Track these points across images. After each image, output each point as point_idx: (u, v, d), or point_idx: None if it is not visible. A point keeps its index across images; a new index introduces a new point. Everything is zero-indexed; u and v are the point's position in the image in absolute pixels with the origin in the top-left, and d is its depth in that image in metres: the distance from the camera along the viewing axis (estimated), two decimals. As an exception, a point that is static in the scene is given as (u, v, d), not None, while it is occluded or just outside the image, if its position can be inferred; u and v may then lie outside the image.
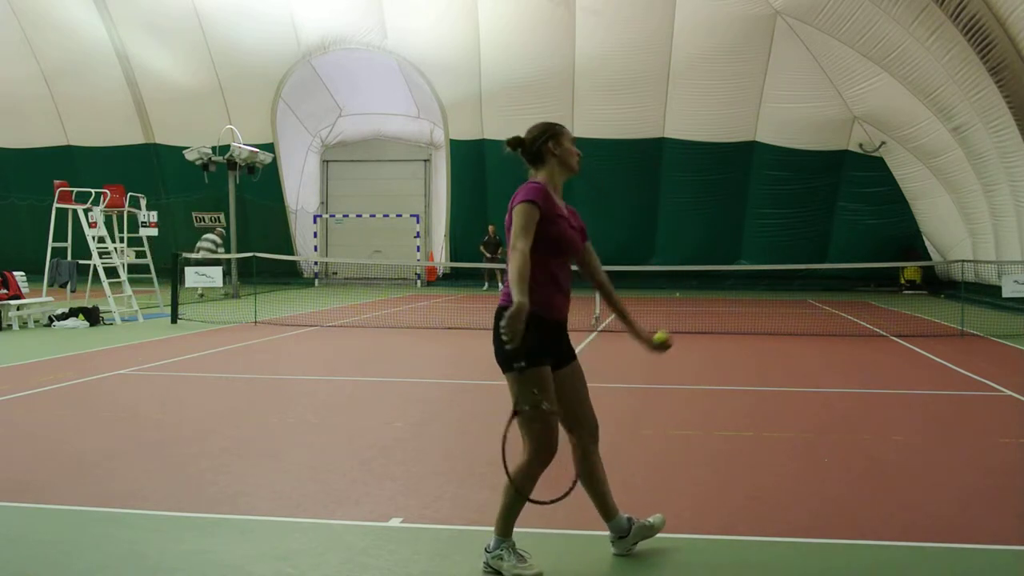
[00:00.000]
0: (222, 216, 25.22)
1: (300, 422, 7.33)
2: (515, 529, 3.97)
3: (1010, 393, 8.69)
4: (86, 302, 16.20)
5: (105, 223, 16.91)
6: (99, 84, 26.67)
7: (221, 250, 22.05)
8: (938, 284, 23.79)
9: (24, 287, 15.16)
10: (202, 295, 20.50)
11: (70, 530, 4.63)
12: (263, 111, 26.53)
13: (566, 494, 3.95)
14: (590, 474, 4.13)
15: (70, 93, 27.29)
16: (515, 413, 3.88)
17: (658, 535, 4.35)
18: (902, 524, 4.72)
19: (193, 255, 20.50)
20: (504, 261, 17.71)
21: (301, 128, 28.38)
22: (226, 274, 19.79)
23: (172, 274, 15.83)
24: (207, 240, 22.42)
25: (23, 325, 14.53)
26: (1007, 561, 4.29)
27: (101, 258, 16.02)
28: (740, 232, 25.43)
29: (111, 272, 16.06)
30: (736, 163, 24.80)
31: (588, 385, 4.18)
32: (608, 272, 4.48)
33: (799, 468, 5.90)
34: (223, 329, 14.41)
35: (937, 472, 5.87)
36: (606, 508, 4.21)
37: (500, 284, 24.84)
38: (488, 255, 24.80)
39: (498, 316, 3.81)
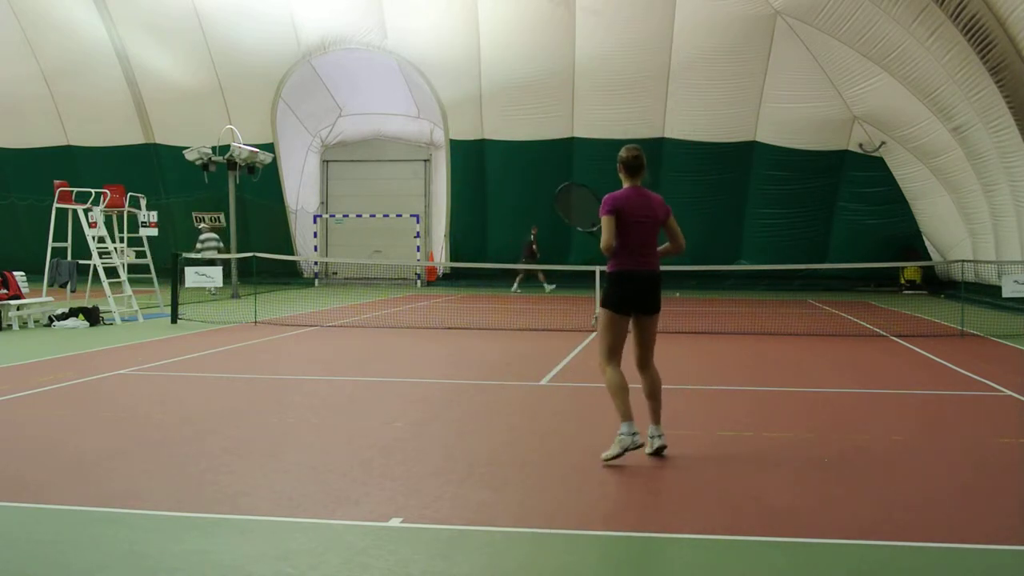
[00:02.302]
0: (222, 216, 25.22)
1: (300, 422, 7.33)
2: (516, 529, 3.98)
3: (1010, 393, 8.68)
4: (86, 302, 16.19)
5: (105, 223, 16.89)
6: (99, 84, 26.66)
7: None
8: (938, 284, 23.78)
9: (24, 287, 15.15)
10: (214, 295, 20.51)
11: (69, 530, 4.62)
12: (263, 111, 26.53)
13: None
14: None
15: (70, 93, 27.28)
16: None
17: (658, 535, 4.43)
18: (901, 524, 4.72)
19: (197, 255, 20.52)
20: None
21: (301, 128, 28.37)
22: (226, 274, 19.81)
23: (172, 274, 15.82)
24: (211, 239, 22.45)
25: (23, 325, 14.53)
26: (1006, 561, 4.29)
27: (101, 258, 16.00)
28: (740, 232, 25.42)
29: (111, 272, 16.05)
30: (736, 163, 24.79)
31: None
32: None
33: (799, 468, 5.90)
34: (223, 329, 14.41)
35: (937, 472, 5.88)
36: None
37: (546, 284, 23.89)
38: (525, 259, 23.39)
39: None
